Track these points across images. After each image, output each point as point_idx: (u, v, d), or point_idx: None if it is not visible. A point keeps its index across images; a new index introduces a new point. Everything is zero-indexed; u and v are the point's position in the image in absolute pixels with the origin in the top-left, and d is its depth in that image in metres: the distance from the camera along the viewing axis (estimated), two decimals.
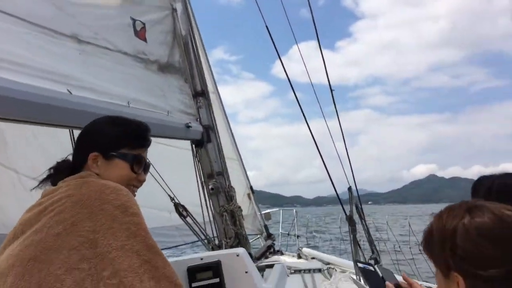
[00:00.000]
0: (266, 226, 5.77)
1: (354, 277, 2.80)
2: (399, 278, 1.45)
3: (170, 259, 2.21)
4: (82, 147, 1.47)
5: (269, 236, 5.68)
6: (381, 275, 1.52)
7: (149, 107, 2.92)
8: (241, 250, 2.11)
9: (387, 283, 1.41)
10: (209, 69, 5.65)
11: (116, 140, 1.46)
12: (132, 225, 1.17)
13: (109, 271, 1.09)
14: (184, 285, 2.02)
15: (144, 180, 1.55)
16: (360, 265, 1.61)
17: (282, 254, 5.77)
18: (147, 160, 1.58)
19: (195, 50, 3.63)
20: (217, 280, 1.98)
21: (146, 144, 1.56)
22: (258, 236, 6.05)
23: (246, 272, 2.03)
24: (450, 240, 0.99)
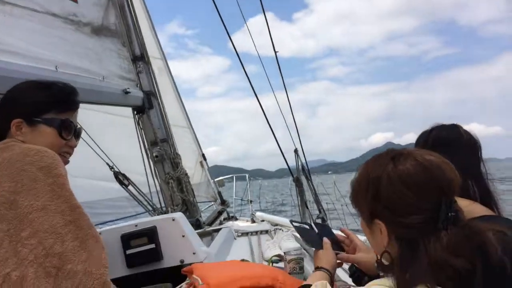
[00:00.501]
0: (219, 193, 5.77)
1: (297, 234, 2.84)
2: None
3: (103, 228, 2.16)
4: (4, 114, 1.37)
5: (223, 202, 5.69)
6: (317, 231, 1.51)
7: (82, 72, 2.76)
8: (177, 215, 2.06)
9: (324, 238, 1.41)
10: (154, 34, 5.43)
11: (39, 105, 1.38)
12: (56, 186, 1.13)
13: (28, 231, 1.06)
14: (119, 253, 1.97)
15: (75, 146, 1.47)
16: (295, 224, 1.59)
17: (236, 219, 5.82)
18: (78, 125, 1.49)
19: (132, 12, 3.45)
20: (152, 245, 1.94)
21: (73, 107, 1.47)
22: (212, 203, 6.05)
23: (183, 236, 2.00)
24: (374, 188, 0.99)
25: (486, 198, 1.52)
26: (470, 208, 1.40)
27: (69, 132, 1.42)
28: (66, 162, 1.42)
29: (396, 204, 0.95)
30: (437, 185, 0.94)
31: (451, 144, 1.57)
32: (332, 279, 1.29)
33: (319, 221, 3.57)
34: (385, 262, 0.99)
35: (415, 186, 0.94)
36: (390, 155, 1.01)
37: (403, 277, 0.89)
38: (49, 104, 1.38)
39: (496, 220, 1.09)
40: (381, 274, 1.01)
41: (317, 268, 1.31)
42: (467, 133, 1.59)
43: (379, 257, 1.03)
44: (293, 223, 1.61)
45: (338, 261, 1.39)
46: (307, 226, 1.58)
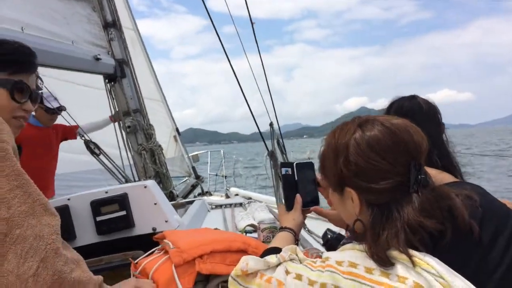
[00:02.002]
0: (194, 168, 5.73)
1: (272, 206, 2.84)
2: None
3: (73, 194, 2.09)
4: None
5: (198, 177, 5.66)
6: (296, 178, 1.37)
7: (49, 35, 2.64)
8: (149, 182, 2.01)
9: (297, 196, 1.33)
10: (127, 3, 5.27)
11: None
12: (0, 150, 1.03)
13: None
14: (89, 220, 1.92)
15: (31, 110, 1.37)
16: (283, 170, 1.40)
17: (210, 195, 5.81)
18: (34, 88, 1.39)
19: None
20: (123, 212, 1.89)
21: (29, 68, 1.36)
22: (187, 178, 6.01)
23: (155, 204, 1.95)
24: (343, 156, 0.97)
25: (450, 167, 1.55)
26: (440, 176, 1.41)
27: (23, 95, 1.30)
28: (21, 125, 1.33)
29: (366, 170, 0.93)
30: (405, 148, 0.93)
31: (412, 115, 1.58)
32: (296, 238, 1.27)
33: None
34: (358, 230, 0.98)
35: (384, 151, 0.92)
36: (356, 122, 1.00)
37: (377, 242, 0.89)
38: (0, 64, 1.27)
39: (464, 186, 1.10)
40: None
41: (281, 229, 1.30)
42: (426, 103, 1.61)
43: (351, 226, 1.02)
44: (282, 168, 1.46)
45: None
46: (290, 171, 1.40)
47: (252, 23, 3.61)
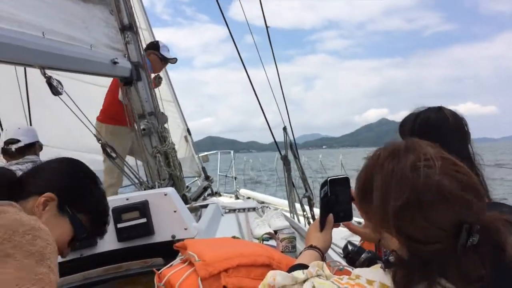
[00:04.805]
0: (204, 168, 5.75)
1: (288, 214, 2.86)
2: None
3: None
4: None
5: (207, 178, 5.68)
6: (329, 194, 1.29)
7: (69, 39, 2.65)
8: (169, 190, 2.04)
9: (329, 216, 1.29)
10: (141, 4, 5.30)
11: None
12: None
13: None
14: (110, 227, 1.94)
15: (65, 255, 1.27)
16: (322, 192, 1.32)
17: (220, 195, 5.83)
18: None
19: None
20: (144, 220, 1.91)
21: (101, 235, 1.41)
22: (196, 178, 6.03)
23: (175, 212, 1.98)
24: (384, 211, 0.91)
25: None
26: None
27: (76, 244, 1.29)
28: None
29: (411, 231, 0.88)
30: (456, 209, 0.86)
31: (439, 128, 1.57)
32: (322, 259, 1.25)
33: (305, 200, 3.58)
34: (391, 259, 0.94)
35: (433, 213, 0.85)
36: (410, 162, 0.90)
37: (406, 281, 0.87)
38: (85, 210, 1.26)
39: (501, 209, 1.07)
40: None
41: (310, 247, 1.27)
42: (452, 115, 1.58)
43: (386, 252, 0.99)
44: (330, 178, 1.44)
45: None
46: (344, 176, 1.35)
47: (267, 27, 3.62)
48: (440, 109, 1.62)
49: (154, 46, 4.34)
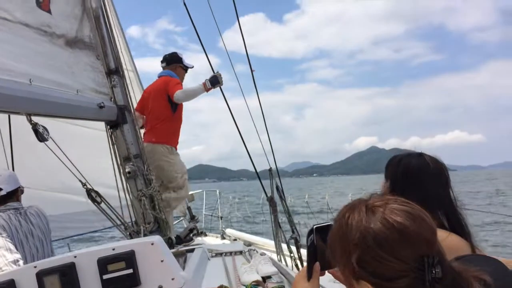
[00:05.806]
0: (189, 208, 5.70)
1: (275, 258, 2.83)
2: None
3: (79, 251, 2.07)
4: None
5: (193, 218, 5.63)
6: (315, 242, 1.30)
7: (55, 85, 2.67)
8: (156, 238, 2.00)
9: (315, 264, 1.31)
10: (126, 46, 5.38)
11: None
12: None
13: None
14: (95, 278, 1.89)
15: None
16: (309, 240, 1.32)
17: (205, 235, 5.76)
18: None
19: (108, 25, 3.38)
20: (130, 271, 1.87)
21: None
22: (181, 218, 5.97)
23: (162, 261, 1.94)
24: (355, 254, 0.96)
25: (458, 227, 1.56)
26: (448, 239, 1.42)
27: None
28: None
29: (380, 270, 0.93)
30: (416, 246, 0.91)
31: (419, 174, 1.62)
32: None
33: (291, 241, 3.56)
34: None
35: (393, 250, 0.91)
36: (364, 212, 0.98)
37: None
38: None
39: (485, 263, 1.11)
40: None
41: None
42: (433, 161, 1.64)
43: None
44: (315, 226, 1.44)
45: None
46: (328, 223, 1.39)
47: (252, 71, 3.71)
48: (420, 155, 1.68)
49: (178, 59, 4.63)
